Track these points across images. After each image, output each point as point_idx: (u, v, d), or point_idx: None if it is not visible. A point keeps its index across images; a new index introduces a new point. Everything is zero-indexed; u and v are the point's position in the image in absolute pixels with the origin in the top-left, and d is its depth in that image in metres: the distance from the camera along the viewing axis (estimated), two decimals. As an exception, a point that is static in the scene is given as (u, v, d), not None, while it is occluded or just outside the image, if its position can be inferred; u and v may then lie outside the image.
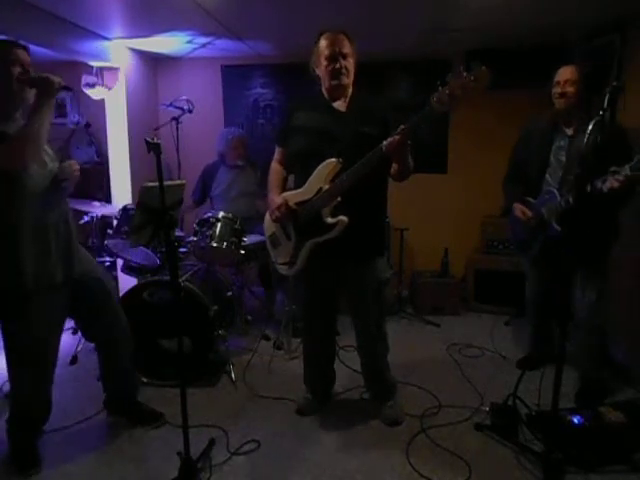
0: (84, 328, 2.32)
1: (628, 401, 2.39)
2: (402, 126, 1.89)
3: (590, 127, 1.79)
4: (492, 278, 3.93)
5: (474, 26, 3.29)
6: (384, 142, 1.92)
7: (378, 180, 2.14)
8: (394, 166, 2.12)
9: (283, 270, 2.36)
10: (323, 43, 2.12)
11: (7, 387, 2.64)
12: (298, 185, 2.23)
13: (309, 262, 2.24)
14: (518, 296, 3.74)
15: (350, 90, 2.20)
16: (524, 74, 3.76)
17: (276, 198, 2.25)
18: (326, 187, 2.08)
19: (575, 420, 2.13)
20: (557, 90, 2.42)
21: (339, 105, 2.19)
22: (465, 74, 1.71)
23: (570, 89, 2.39)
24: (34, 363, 2.04)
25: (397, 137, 1.89)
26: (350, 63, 2.13)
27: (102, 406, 2.45)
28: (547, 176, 2.51)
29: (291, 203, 2.20)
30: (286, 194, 2.27)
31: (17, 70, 1.85)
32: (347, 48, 2.11)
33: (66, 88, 1.93)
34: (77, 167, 2.06)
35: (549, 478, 1.90)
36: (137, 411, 2.41)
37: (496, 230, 3.92)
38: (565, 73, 2.41)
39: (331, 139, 2.11)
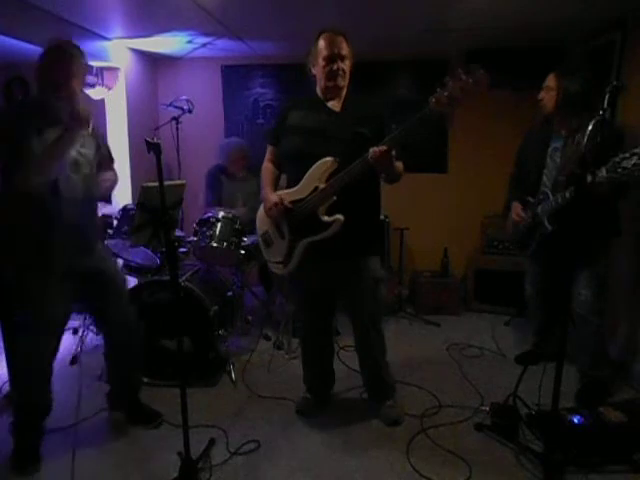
0: (96, 321, 2.41)
1: (628, 401, 2.39)
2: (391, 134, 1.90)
3: (590, 127, 1.79)
4: (492, 278, 3.93)
5: (474, 26, 3.29)
6: (370, 150, 1.92)
7: (370, 180, 2.13)
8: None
9: (277, 269, 2.35)
10: (322, 43, 2.12)
11: (7, 388, 2.67)
12: (291, 184, 2.22)
13: (302, 261, 2.23)
14: (518, 296, 3.74)
15: (345, 91, 2.20)
16: (524, 74, 3.76)
17: (271, 196, 2.23)
18: (322, 186, 2.08)
19: (575, 420, 2.13)
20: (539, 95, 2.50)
21: (333, 105, 2.19)
22: (464, 76, 1.73)
23: (545, 95, 2.45)
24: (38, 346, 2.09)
25: (383, 147, 1.91)
26: (347, 65, 2.15)
27: (105, 400, 2.45)
28: (544, 177, 2.55)
29: (286, 202, 2.19)
30: (281, 192, 2.25)
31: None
32: (345, 50, 2.12)
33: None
34: (111, 177, 2.26)
35: (549, 478, 1.90)
36: (136, 409, 2.41)
37: (496, 230, 3.91)
38: (547, 79, 2.47)
39: (326, 139, 2.11)
